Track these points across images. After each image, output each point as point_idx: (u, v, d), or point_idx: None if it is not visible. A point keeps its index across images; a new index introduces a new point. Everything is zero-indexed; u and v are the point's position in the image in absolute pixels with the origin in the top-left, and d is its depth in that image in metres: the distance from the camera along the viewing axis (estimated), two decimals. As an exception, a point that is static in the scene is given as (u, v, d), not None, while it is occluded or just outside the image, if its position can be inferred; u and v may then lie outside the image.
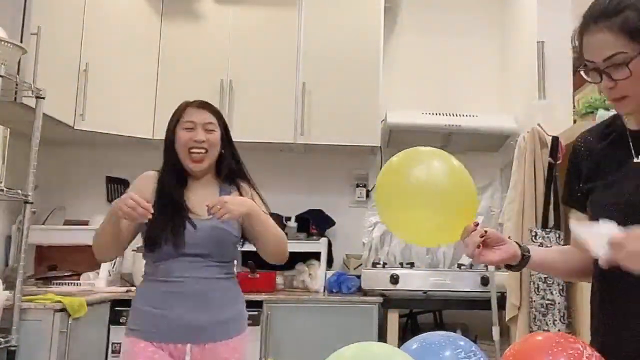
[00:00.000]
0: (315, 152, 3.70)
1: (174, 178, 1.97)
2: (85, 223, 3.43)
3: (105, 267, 3.20)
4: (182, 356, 1.84)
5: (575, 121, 2.96)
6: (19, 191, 2.42)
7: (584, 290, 2.49)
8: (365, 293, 3.22)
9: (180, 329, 1.84)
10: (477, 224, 1.24)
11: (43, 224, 3.36)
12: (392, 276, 3.21)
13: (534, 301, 2.63)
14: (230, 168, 2.04)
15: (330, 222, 3.59)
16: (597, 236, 1.09)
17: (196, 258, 1.90)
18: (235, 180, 2.05)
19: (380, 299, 3.06)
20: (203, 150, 1.95)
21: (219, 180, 2.04)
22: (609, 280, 1.21)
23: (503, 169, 3.71)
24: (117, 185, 3.65)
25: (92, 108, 3.15)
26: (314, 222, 3.55)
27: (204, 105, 2.02)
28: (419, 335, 1.08)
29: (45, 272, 3.22)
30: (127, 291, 3.08)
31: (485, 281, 3.15)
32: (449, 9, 3.90)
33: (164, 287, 1.88)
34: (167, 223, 1.87)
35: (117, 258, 3.34)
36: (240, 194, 2.00)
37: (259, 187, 2.09)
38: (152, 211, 1.75)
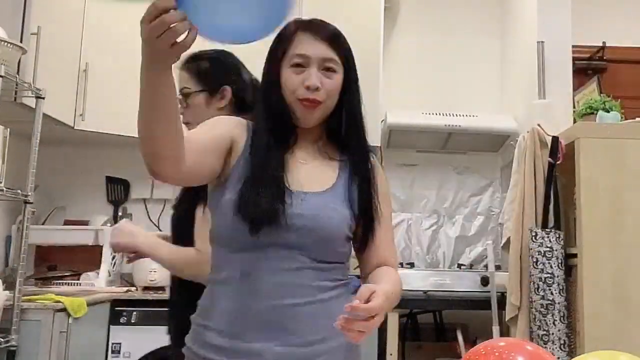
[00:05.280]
0: (315, 152, 3.70)
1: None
2: (86, 223, 3.43)
3: (105, 267, 3.20)
4: None
5: (575, 121, 2.96)
6: (19, 191, 2.42)
7: (584, 290, 2.50)
8: (365, 293, 3.21)
9: None
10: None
11: (43, 224, 3.36)
12: (392, 276, 3.21)
13: (534, 301, 2.63)
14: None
15: (330, 222, 3.59)
16: None
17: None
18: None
19: (380, 299, 3.05)
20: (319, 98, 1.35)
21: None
22: None
23: (503, 169, 3.71)
24: (117, 185, 3.65)
25: (92, 108, 3.15)
26: (314, 222, 3.54)
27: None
28: None
29: (45, 272, 3.22)
30: (127, 291, 3.08)
31: (485, 281, 3.15)
32: (448, 9, 3.90)
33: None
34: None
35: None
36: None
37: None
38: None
